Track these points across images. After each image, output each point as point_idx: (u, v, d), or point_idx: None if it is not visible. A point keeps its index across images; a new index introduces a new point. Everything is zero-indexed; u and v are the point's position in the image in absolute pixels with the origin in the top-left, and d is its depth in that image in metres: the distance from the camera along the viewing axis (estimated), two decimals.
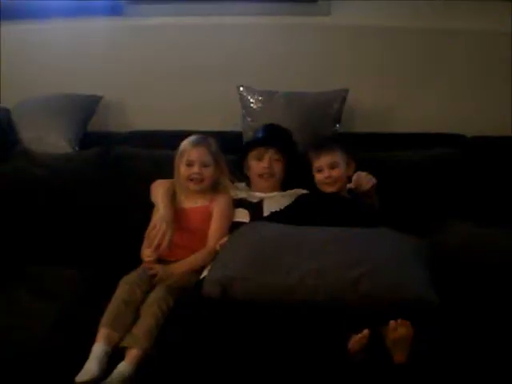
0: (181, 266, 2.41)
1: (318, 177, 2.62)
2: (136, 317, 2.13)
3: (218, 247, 2.39)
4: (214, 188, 2.64)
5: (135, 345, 2.01)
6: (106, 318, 2.08)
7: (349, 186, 2.60)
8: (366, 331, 1.88)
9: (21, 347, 2.03)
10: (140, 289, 2.20)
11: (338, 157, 2.61)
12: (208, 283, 2.07)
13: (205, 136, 2.68)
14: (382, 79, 3.33)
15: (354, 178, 2.58)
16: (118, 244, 2.67)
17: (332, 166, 2.59)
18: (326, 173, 2.59)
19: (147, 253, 2.44)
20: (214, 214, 2.57)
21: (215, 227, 2.54)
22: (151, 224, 2.48)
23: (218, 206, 2.58)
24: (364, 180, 2.57)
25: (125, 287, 2.20)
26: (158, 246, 2.42)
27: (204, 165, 2.59)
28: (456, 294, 2.08)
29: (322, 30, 3.36)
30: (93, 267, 2.54)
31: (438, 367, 1.85)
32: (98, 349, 1.99)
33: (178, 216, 2.54)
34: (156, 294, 2.17)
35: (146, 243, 2.53)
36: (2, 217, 2.61)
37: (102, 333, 2.04)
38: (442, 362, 1.86)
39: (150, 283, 2.26)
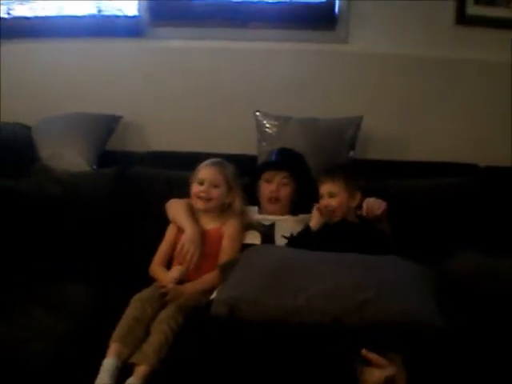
0: (192, 287, 2.43)
1: (320, 203, 2.64)
2: (146, 334, 2.14)
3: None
4: (226, 211, 2.68)
5: (144, 361, 2.02)
6: (117, 333, 2.10)
7: (359, 212, 2.60)
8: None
9: (30, 362, 2.03)
10: (151, 307, 2.22)
11: (338, 187, 2.61)
12: (216, 303, 2.07)
13: (222, 160, 2.73)
14: (397, 107, 3.37)
15: (365, 205, 2.56)
16: (130, 261, 2.68)
17: (331, 195, 2.61)
18: (325, 200, 2.62)
19: (175, 271, 2.47)
20: (224, 236, 2.60)
21: (226, 250, 2.56)
22: (179, 245, 2.51)
23: (228, 229, 2.61)
24: (375, 205, 2.56)
25: (136, 304, 2.21)
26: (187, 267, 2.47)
27: (214, 185, 2.64)
28: (465, 323, 2.08)
29: (339, 58, 3.41)
30: (105, 283, 2.55)
31: None
32: (109, 363, 2.01)
33: None
34: (166, 313, 2.19)
35: (157, 260, 2.61)
36: (18, 232, 2.63)
37: (113, 348, 2.05)
38: None
39: (161, 301, 2.27)
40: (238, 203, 2.69)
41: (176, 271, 2.47)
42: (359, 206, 2.60)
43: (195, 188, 2.66)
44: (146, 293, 2.30)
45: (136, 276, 2.54)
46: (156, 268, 2.61)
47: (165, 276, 2.49)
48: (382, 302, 1.98)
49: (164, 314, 2.19)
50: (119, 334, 2.10)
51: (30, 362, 2.03)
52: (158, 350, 2.05)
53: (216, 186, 2.64)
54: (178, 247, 2.51)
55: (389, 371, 1.82)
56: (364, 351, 1.84)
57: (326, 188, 2.63)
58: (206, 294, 2.38)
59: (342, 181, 2.62)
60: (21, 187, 2.75)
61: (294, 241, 2.57)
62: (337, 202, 2.60)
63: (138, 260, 2.66)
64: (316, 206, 2.63)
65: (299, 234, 2.59)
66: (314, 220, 2.61)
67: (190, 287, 2.42)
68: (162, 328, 2.12)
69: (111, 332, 2.11)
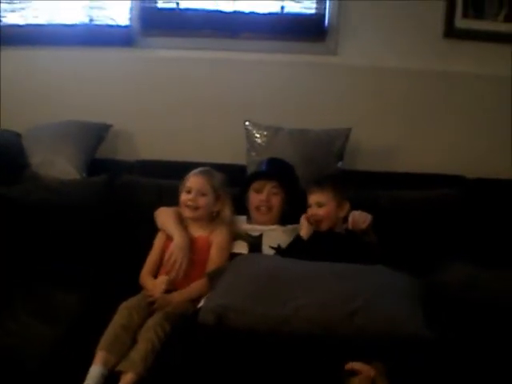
0: (179, 296, 2.43)
1: (308, 212, 2.66)
2: (133, 342, 2.14)
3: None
4: (215, 220, 2.70)
5: (131, 369, 2.02)
6: (104, 341, 2.10)
7: (345, 226, 2.61)
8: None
9: (19, 368, 2.03)
10: (138, 314, 2.22)
11: (326, 197, 2.63)
12: (204, 312, 2.08)
13: (210, 169, 2.75)
14: (385, 119, 3.41)
15: (350, 218, 2.57)
16: (120, 269, 2.69)
17: (319, 205, 2.63)
18: (313, 210, 2.64)
19: (162, 282, 2.47)
20: (213, 245, 2.61)
21: (214, 258, 2.57)
22: (168, 253, 2.52)
23: (217, 238, 2.62)
24: (360, 219, 2.56)
25: (124, 312, 2.22)
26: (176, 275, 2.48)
27: (201, 193, 2.65)
28: (455, 334, 2.09)
29: (329, 69, 3.45)
30: (94, 290, 2.55)
31: None
32: (95, 371, 2.01)
33: None
34: (153, 320, 2.19)
35: (146, 269, 2.61)
36: (8, 238, 2.63)
37: (100, 356, 2.05)
38: None
39: (148, 310, 2.28)
40: (226, 212, 2.71)
41: (162, 282, 2.47)
42: (345, 218, 2.62)
43: (183, 196, 2.68)
44: (133, 301, 2.31)
45: (125, 283, 2.55)
46: (145, 277, 2.61)
47: (153, 285, 2.49)
48: (371, 311, 2.00)
49: (151, 322, 2.19)
50: (106, 341, 2.10)
51: (17, 368, 2.03)
52: (144, 358, 2.05)
53: (203, 195, 2.66)
54: (167, 256, 2.53)
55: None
56: (348, 365, 1.85)
57: (314, 198, 2.65)
58: (193, 303, 2.40)
59: (330, 191, 2.65)
60: (11, 194, 2.76)
61: (285, 250, 2.58)
62: (324, 211, 2.62)
63: (128, 267, 2.66)
64: (304, 215, 2.65)
65: (290, 243, 2.61)
66: (304, 229, 2.63)
67: (177, 296, 2.43)
68: (148, 336, 2.12)
69: (99, 339, 2.11)
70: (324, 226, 2.62)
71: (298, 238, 2.61)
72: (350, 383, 1.85)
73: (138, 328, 2.19)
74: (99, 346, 2.09)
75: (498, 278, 2.40)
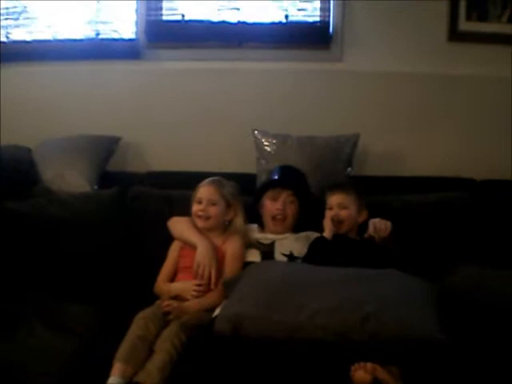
0: (195, 305, 2.44)
1: (327, 214, 2.66)
2: (150, 352, 2.15)
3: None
4: (227, 229, 2.71)
5: (148, 380, 2.03)
6: (121, 352, 2.10)
7: (367, 235, 2.59)
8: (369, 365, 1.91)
9: (37, 382, 2.04)
10: (154, 325, 2.22)
11: (349, 199, 2.65)
12: (219, 321, 2.10)
13: (220, 178, 2.76)
14: (393, 124, 3.41)
15: (371, 226, 2.56)
16: (132, 281, 2.71)
17: (342, 206, 2.64)
18: (334, 211, 2.64)
19: (193, 285, 2.50)
20: (226, 255, 2.62)
21: (229, 268, 2.58)
22: (195, 263, 2.53)
23: (230, 248, 2.63)
24: (381, 226, 2.56)
25: (140, 323, 2.22)
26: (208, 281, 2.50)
27: (212, 203, 2.67)
28: (465, 336, 2.09)
29: (335, 76, 3.46)
30: (108, 303, 2.55)
31: None
32: (114, 382, 2.02)
33: (193, 255, 2.59)
34: (170, 331, 2.19)
35: (161, 277, 2.64)
36: (19, 254, 2.65)
37: (117, 367, 2.06)
38: None
39: (164, 319, 2.28)
40: (239, 220, 2.72)
41: (193, 285, 2.50)
42: (364, 225, 2.62)
43: (194, 207, 2.70)
44: (148, 311, 2.31)
45: (138, 295, 2.55)
46: (161, 285, 2.63)
47: (182, 288, 2.53)
48: (384, 316, 2.01)
49: (167, 333, 2.19)
50: (123, 352, 2.11)
51: (34, 382, 2.04)
52: (162, 369, 2.06)
53: (214, 204, 2.67)
54: (194, 265, 2.53)
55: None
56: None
57: (336, 199, 2.66)
58: (208, 312, 2.41)
59: (352, 193, 2.67)
60: (23, 209, 2.78)
61: (311, 252, 2.59)
62: (347, 213, 2.64)
63: (141, 279, 2.68)
64: (329, 215, 2.65)
65: (313, 244, 2.61)
66: (328, 230, 2.63)
67: (193, 305, 2.44)
68: (165, 346, 2.13)
69: (115, 351, 2.11)
70: (344, 229, 2.63)
71: (321, 239, 2.62)
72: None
73: (154, 338, 2.19)
74: (116, 357, 2.09)
75: (510, 280, 2.39)
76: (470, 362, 2.01)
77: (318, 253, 2.54)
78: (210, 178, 2.76)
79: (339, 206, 2.64)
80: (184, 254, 2.66)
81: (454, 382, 1.94)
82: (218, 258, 2.60)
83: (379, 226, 2.56)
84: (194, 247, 2.60)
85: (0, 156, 3.03)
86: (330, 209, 2.66)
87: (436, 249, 2.80)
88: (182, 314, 2.33)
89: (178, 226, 2.74)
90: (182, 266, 2.64)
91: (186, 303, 2.45)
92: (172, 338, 2.16)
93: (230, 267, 2.59)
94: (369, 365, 1.91)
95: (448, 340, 1.96)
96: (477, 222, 2.90)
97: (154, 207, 3.01)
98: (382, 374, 1.90)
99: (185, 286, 2.54)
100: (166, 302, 2.38)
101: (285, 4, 3.55)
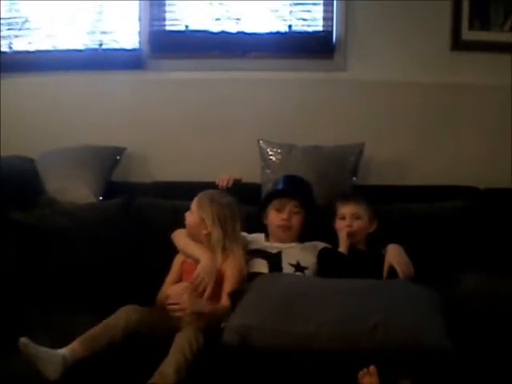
0: (208, 307, 2.41)
1: (339, 224, 2.67)
2: (108, 346, 2.17)
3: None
4: (223, 249, 2.62)
5: (164, 381, 2.00)
6: (84, 334, 2.16)
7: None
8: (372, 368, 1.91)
9: None
10: (130, 318, 2.25)
11: (362, 209, 2.66)
12: (227, 332, 2.10)
13: (220, 194, 2.74)
14: (397, 133, 3.41)
15: (399, 268, 2.48)
16: (137, 291, 2.69)
17: (356, 217, 2.65)
18: (347, 221, 2.64)
19: (183, 287, 2.48)
20: (225, 275, 2.56)
21: (229, 288, 2.51)
22: (194, 274, 2.50)
23: (229, 268, 2.57)
24: (407, 271, 2.50)
25: (119, 313, 2.28)
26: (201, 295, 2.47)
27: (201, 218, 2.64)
28: (471, 344, 2.09)
29: (339, 85, 3.46)
30: (112, 312, 2.49)
31: None
32: (61, 352, 2.08)
33: (194, 270, 2.56)
34: (185, 333, 2.17)
35: (164, 290, 2.61)
36: (25, 265, 2.65)
37: (72, 344, 2.12)
38: None
39: (163, 325, 2.28)
40: (230, 241, 2.62)
41: (183, 287, 2.48)
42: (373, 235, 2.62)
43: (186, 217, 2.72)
44: (140, 308, 2.35)
45: (142, 305, 2.50)
46: (163, 295, 2.60)
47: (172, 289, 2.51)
48: (392, 325, 2.02)
49: (183, 334, 2.17)
50: (85, 335, 2.17)
51: None
52: (178, 370, 2.03)
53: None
54: (193, 276, 2.51)
55: None
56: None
57: (350, 209, 2.67)
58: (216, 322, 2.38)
59: (365, 205, 2.68)
60: (28, 219, 2.78)
61: (326, 264, 2.59)
62: (360, 224, 2.65)
63: (145, 289, 2.67)
64: (345, 229, 2.64)
65: (329, 259, 2.61)
66: (344, 245, 2.62)
67: (207, 305, 2.41)
68: (182, 348, 2.10)
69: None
70: (356, 239, 2.63)
71: (335, 253, 2.62)
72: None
73: (120, 333, 2.21)
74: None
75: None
76: (477, 370, 2.02)
77: (333, 268, 2.54)
78: (211, 191, 2.76)
79: (353, 217, 2.65)
80: (186, 268, 2.65)
81: None
82: (217, 278, 2.54)
83: (405, 271, 2.49)
84: (196, 261, 2.59)
85: (3, 166, 3.03)
86: (343, 218, 2.67)
87: (441, 258, 2.80)
88: (199, 310, 2.33)
89: (182, 239, 2.72)
90: (184, 281, 2.61)
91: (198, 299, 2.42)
92: (190, 340, 2.14)
93: (231, 286, 2.52)
94: (371, 368, 1.92)
95: (456, 348, 1.96)
96: (481, 231, 2.89)
97: (158, 217, 3.00)
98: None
99: (175, 287, 2.52)
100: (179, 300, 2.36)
101: (287, 14, 3.56)
